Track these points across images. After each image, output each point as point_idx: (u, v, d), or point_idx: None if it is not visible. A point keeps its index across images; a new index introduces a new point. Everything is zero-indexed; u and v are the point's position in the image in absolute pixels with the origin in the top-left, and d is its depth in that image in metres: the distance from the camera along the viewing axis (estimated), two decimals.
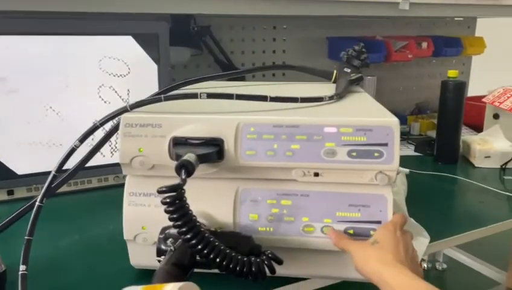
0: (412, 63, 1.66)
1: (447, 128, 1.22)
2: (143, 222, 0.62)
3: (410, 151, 1.35)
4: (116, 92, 1.02)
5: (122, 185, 0.65)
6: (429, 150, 1.29)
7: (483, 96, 1.43)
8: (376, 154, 0.57)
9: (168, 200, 0.48)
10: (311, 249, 0.61)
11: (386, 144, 0.57)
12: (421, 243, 0.76)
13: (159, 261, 0.54)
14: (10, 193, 0.95)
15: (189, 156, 0.53)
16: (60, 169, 0.63)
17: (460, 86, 1.20)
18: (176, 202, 0.49)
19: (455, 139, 1.22)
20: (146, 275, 0.65)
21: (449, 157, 1.23)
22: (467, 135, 1.33)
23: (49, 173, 0.62)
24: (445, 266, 1.94)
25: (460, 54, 1.64)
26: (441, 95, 1.22)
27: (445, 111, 1.21)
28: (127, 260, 0.67)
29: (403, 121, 1.60)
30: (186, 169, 0.51)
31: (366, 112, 0.67)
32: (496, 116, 1.37)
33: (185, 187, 0.51)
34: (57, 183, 0.67)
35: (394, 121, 0.58)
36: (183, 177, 0.50)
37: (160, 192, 0.49)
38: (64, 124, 0.97)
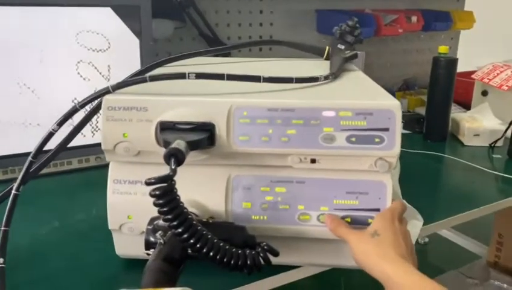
0: (400, 37, 1.63)
1: (437, 106, 1.20)
2: (129, 211, 0.59)
3: None
4: (95, 68, 0.96)
5: (104, 167, 0.61)
6: (418, 127, 1.28)
7: (472, 72, 1.41)
8: (377, 139, 0.54)
9: (157, 192, 0.45)
10: (306, 238, 0.59)
11: (387, 129, 0.54)
12: (415, 226, 0.74)
13: (148, 254, 0.50)
14: None
15: (179, 144, 0.49)
16: (37, 155, 0.59)
17: (452, 63, 1.17)
18: (166, 195, 0.45)
19: (445, 117, 1.20)
20: (133, 265, 0.62)
21: (438, 136, 1.22)
22: (455, 112, 1.32)
23: (26, 154, 0.58)
24: (427, 239, 1.97)
25: (449, 28, 1.62)
26: (431, 71, 1.20)
27: (436, 88, 1.19)
28: (112, 247, 0.63)
29: None
30: (175, 158, 0.47)
31: (364, 93, 0.63)
32: (484, 93, 1.36)
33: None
34: (35, 168, 0.62)
35: (396, 104, 0.55)
36: (173, 167, 0.46)
37: (148, 183, 0.45)
38: (40, 102, 0.91)
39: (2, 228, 0.56)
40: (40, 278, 0.62)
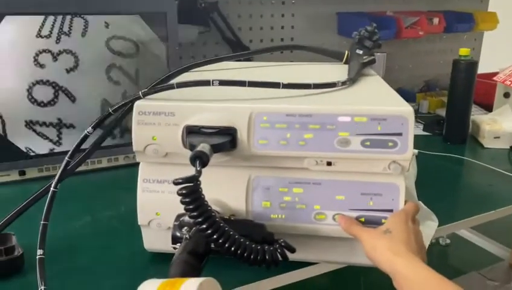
0: (422, 39, 1.64)
1: (457, 109, 1.21)
2: (157, 208, 0.63)
3: (418, 130, 1.34)
4: (125, 72, 1.01)
5: (132, 165, 0.65)
6: (438, 129, 1.29)
7: (494, 74, 1.41)
8: (390, 144, 0.57)
9: (184, 191, 0.49)
10: (322, 236, 0.62)
11: (400, 134, 0.57)
12: (430, 227, 0.76)
13: (175, 248, 0.55)
14: (22, 173, 0.96)
15: (204, 147, 0.53)
16: (73, 155, 0.64)
17: (472, 66, 1.18)
18: (192, 193, 0.49)
19: (465, 120, 1.21)
20: (160, 258, 0.67)
21: (458, 138, 1.22)
22: (476, 115, 1.32)
23: (60, 153, 0.63)
24: (448, 241, 1.97)
25: (472, 29, 1.61)
26: (452, 74, 1.20)
27: (456, 91, 1.20)
28: (140, 242, 0.68)
29: (411, 98, 1.59)
30: (200, 160, 0.51)
31: (380, 99, 0.66)
32: (506, 95, 1.35)
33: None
34: (70, 167, 0.67)
35: (409, 110, 0.58)
36: (198, 168, 0.51)
37: (176, 183, 0.49)
38: (74, 105, 0.97)
39: (42, 222, 0.62)
40: (74, 269, 0.67)
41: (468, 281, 1.55)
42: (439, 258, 1.87)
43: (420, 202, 0.82)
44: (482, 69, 1.68)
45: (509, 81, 1.32)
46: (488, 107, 1.44)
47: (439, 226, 0.78)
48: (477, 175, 1.05)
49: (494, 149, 1.18)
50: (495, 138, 1.19)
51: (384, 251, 0.54)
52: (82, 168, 1.00)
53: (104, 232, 0.78)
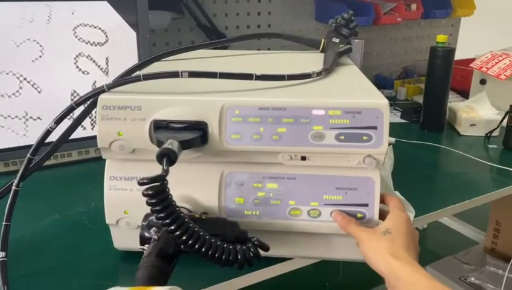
0: (400, 25, 1.63)
1: (434, 97, 1.21)
2: (125, 206, 0.61)
3: (396, 118, 1.34)
4: (94, 61, 0.97)
5: (103, 159, 0.63)
6: (415, 117, 1.28)
7: (471, 60, 1.41)
8: (365, 137, 0.56)
9: (150, 192, 0.46)
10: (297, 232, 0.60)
11: (375, 127, 0.56)
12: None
13: (143, 249, 0.52)
14: None
15: (171, 144, 0.51)
16: (35, 152, 0.61)
17: (449, 54, 1.17)
18: (158, 194, 0.47)
19: (442, 109, 1.21)
20: (131, 257, 0.64)
21: (435, 126, 1.22)
22: (453, 102, 1.33)
23: (27, 147, 0.60)
24: (425, 225, 2.00)
25: (449, 15, 1.61)
26: (429, 61, 1.20)
27: (433, 79, 1.19)
28: (110, 240, 0.65)
29: (389, 85, 1.59)
30: (168, 158, 0.49)
31: (355, 91, 0.64)
32: (482, 82, 1.36)
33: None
34: (34, 163, 0.64)
35: (384, 103, 0.56)
36: (165, 167, 0.48)
37: (141, 184, 0.47)
38: (40, 96, 0.93)
39: (4, 223, 0.59)
40: (40, 270, 0.64)
41: (444, 266, 1.57)
42: None
43: (397, 192, 0.82)
44: (458, 55, 1.69)
45: (486, 68, 1.32)
46: (464, 94, 1.45)
47: (415, 216, 0.78)
48: (453, 163, 1.05)
49: (470, 137, 1.19)
50: (471, 125, 1.19)
51: (383, 253, 0.53)
52: (50, 161, 0.97)
53: (73, 230, 0.74)
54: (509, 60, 1.30)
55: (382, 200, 0.61)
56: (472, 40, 1.79)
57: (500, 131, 1.16)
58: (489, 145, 1.14)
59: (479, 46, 1.50)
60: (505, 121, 1.11)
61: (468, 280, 1.51)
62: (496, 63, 1.32)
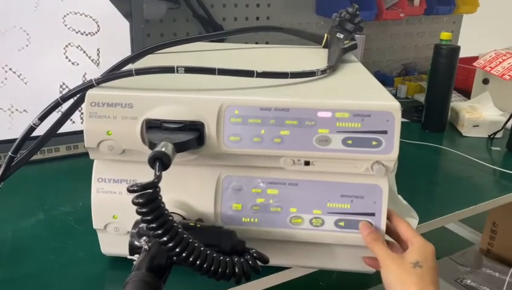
0: (401, 21, 1.59)
1: (437, 96, 1.17)
2: (114, 210, 0.56)
3: None
4: (84, 51, 0.92)
5: None
6: (417, 116, 1.25)
7: (472, 58, 1.38)
8: (374, 142, 0.52)
9: (141, 200, 0.42)
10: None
11: (385, 132, 0.52)
12: (410, 224, 0.73)
13: (133, 260, 0.48)
14: None
15: (165, 146, 0.46)
16: (17, 151, 0.56)
17: (454, 52, 1.13)
18: (149, 203, 0.42)
19: (445, 109, 1.17)
20: (120, 262, 0.60)
21: (437, 126, 1.19)
22: (455, 102, 1.29)
23: (11, 141, 0.55)
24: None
25: (452, 12, 1.57)
26: (432, 59, 1.16)
27: (436, 78, 1.15)
28: (98, 243, 0.61)
29: (389, 82, 1.55)
30: (161, 162, 0.45)
31: (363, 91, 0.60)
32: (485, 82, 1.32)
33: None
34: (17, 161, 0.60)
35: (395, 105, 0.52)
36: (158, 172, 0.44)
37: (131, 191, 0.42)
38: (27, 88, 0.88)
39: None
40: (22, 276, 0.60)
41: (440, 267, 1.54)
42: None
43: (400, 196, 0.78)
44: (460, 53, 1.65)
45: (489, 67, 1.29)
46: (466, 93, 1.41)
47: (419, 223, 0.74)
48: (455, 166, 1.02)
49: (472, 138, 1.15)
50: (474, 126, 1.16)
51: (412, 288, 0.49)
52: (37, 156, 0.92)
53: (59, 232, 0.70)
54: None
55: (388, 217, 0.57)
56: (473, 37, 1.76)
57: (504, 133, 1.13)
58: (493, 148, 1.10)
59: (481, 44, 1.47)
60: (509, 123, 1.08)
61: (464, 282, 1.49)
62: (500, 62, 1.29)
